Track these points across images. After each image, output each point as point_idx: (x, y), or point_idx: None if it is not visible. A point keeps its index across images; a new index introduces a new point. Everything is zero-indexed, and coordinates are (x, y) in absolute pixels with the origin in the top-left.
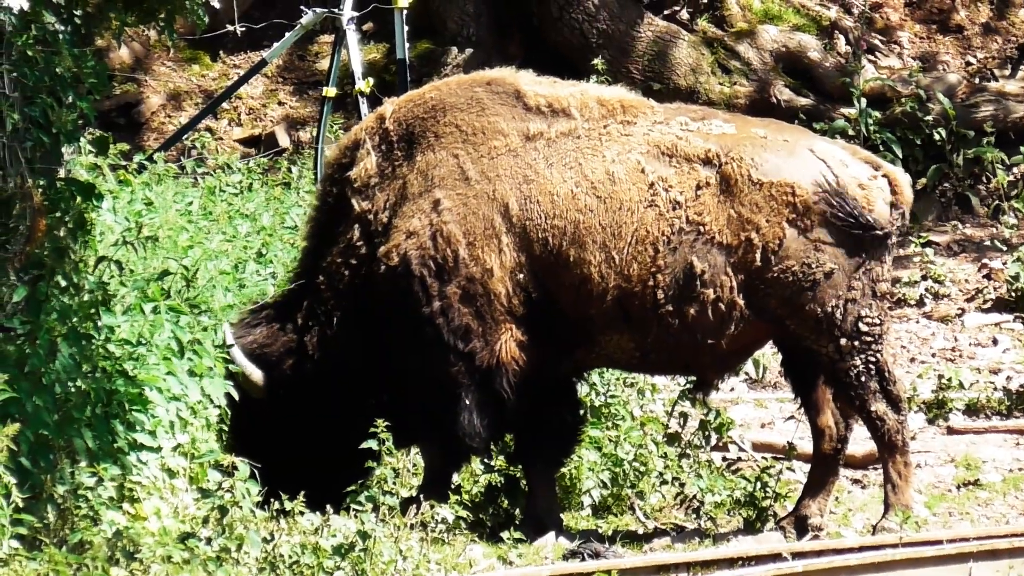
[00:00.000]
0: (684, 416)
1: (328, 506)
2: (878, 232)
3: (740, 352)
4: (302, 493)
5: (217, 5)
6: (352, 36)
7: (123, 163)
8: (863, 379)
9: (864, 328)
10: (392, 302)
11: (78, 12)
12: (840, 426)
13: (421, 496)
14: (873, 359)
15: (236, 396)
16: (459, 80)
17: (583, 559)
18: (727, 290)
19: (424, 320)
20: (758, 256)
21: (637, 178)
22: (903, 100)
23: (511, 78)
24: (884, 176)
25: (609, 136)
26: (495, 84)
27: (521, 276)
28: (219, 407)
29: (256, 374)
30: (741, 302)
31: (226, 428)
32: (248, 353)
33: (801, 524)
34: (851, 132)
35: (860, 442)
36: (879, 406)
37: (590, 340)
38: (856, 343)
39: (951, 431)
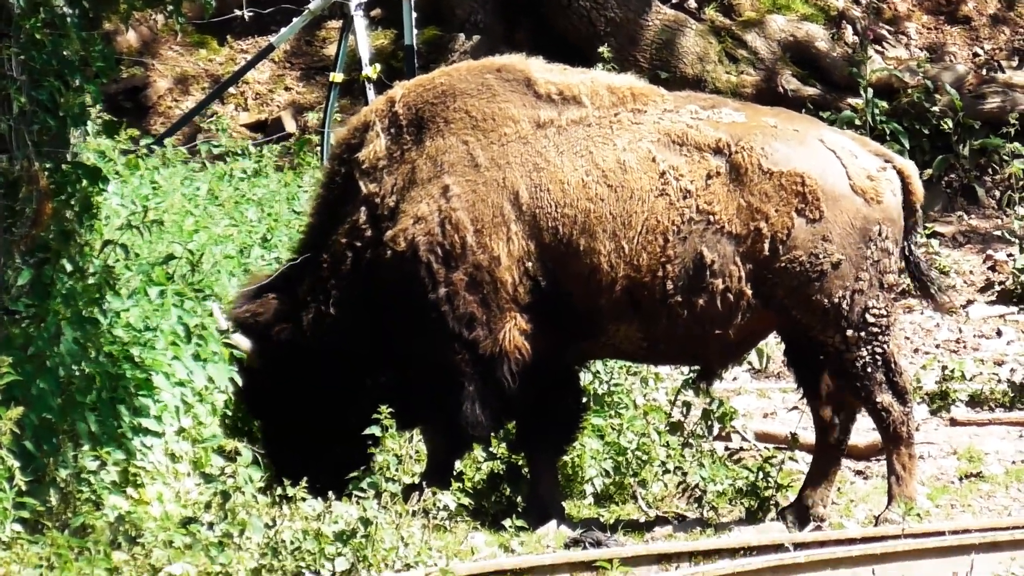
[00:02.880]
0: (687, 405)
1: (330, 492)
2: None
3: (746, 342)
4: (304, 475)
5: None
6: (360, 22)
7: (133, 148)
8: (869, 370)
9: (871, 319)
10: (397, 286)
11: None
12: (843, 417)
13: (423, 483)
14: (880, 350)
15: (240, 379)
16: (469, 66)
17: (585, 547)
18: (736, 280)
19: (429, 306)
20: (767, 246)
21: (648, 167)
22: (910, 90)
23: (521, 65)
24: (896, 169)
25: (620, 124)
26: (505, 71)
27: (529, 265)
28: (224, 392)
29: (244, 342)
30: (749, 292)
31: (230, 414)
32: (241, 322)
33: (803, 514)
34: (858, 122)
35: (863, 433)
36: (885, 397)
37: (598, 330)
38: (863, 334)
39: (954, 423)
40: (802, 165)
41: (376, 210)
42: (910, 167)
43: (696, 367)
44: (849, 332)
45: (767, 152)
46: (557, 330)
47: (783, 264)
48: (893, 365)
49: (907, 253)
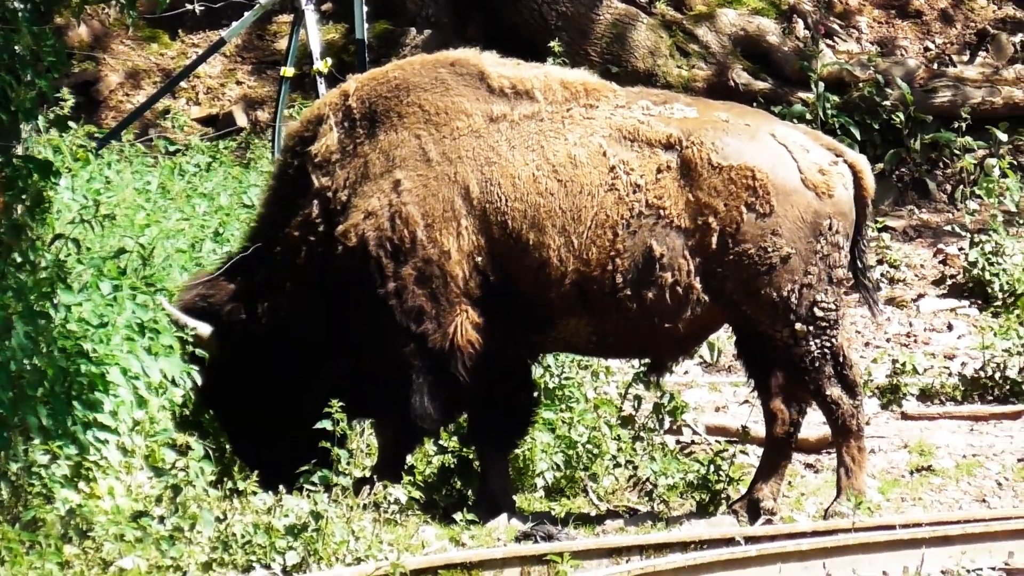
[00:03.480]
0: (638, 399)
1: (285, 481)
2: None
3: (696, 336)
4: (259, 464)
5: None
6: (311, 16)
7: (83, 143)
8: (818, 364)
9: (820, 313)
10: (348, 279)
11: None
12: (793, 410)
13: (375, 476)
14: (828, 344)
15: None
16: (423, 60)
17: (536, 541)
18: (684, 273)
19: (379, 300)
20: (716, 240)
21: (599, 161)
22: (861, 85)
23: (475, 59)
24: (847, 163)
25: (572, 119)
26: (459, 65)
27: (479, 259)
28: (180, 386)
29: (203, 327)
30: (698, 286)
31: (184, 408)
32: (190, 307)
33: (754, 508)
34: (809, 116)
35: (814, 426)
36: (834, 391)
37: (548, 324)
38: (812, 328)
39: (905, 416)
40: (752, 159)
41: (328, 204)
42: (862, 161)
43: (646, 361)
44: (798, 326)
45: (717, 147)
46: (508, 324)
47: (732, 258)
48: (843, 359)
49: (854, 249)
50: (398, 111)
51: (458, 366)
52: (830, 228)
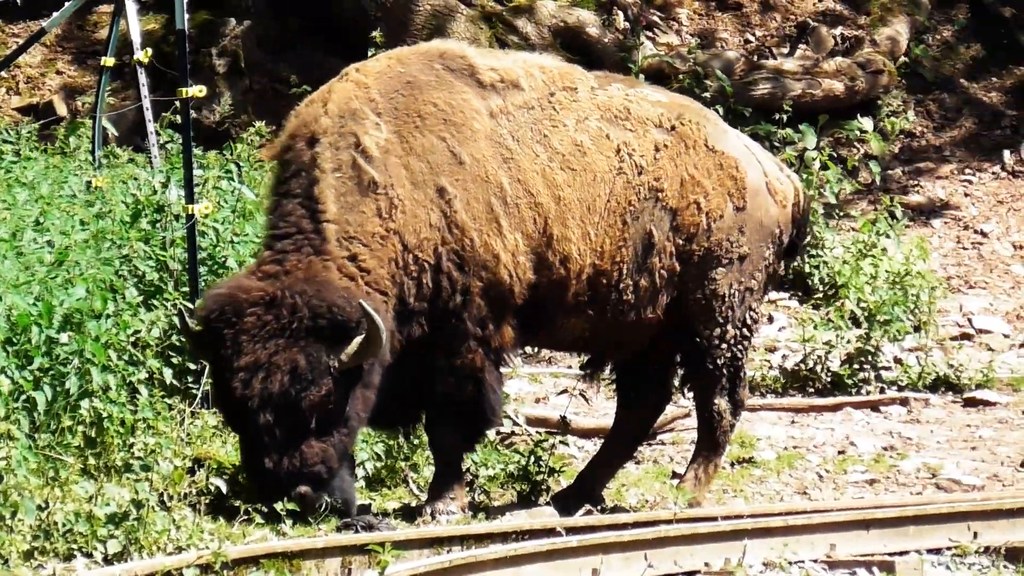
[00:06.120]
0: None
1: (102, 475)
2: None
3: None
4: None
5: None
6: (131, 6)
7: None
8: (723, 371)
9: (749, 322)
10: (420, 286)
11: None
12: (645, 417)
13: (438, 487)
14: (740, 355)
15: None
16: (414, 52)
17: (357, 531)
18: (668, 256)
19: (450, 310)
20: (700, 221)
21: (604, 145)
22: (681, 76)
23: (461, 51)
24: (788, 178)
25: (561, 104)
26: (448, 58)
27: (520, 259)
28: (7, 374)
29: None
30: (678, 269)
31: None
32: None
33: (576, 499)
34: None
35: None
36: (721, 402)
37: (548, 324)
38: (738, 333)
39: None
40: (733, 152)
41: (380, 200)
42: (795, 178)
43: (587, 355)
44: (728, 328)
45: (708, 131)
46: (524, 324)
47: (706, 245)
48: (741, 375)
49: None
50: (417, 110)
51: (508, 362)
52: (779, 237)
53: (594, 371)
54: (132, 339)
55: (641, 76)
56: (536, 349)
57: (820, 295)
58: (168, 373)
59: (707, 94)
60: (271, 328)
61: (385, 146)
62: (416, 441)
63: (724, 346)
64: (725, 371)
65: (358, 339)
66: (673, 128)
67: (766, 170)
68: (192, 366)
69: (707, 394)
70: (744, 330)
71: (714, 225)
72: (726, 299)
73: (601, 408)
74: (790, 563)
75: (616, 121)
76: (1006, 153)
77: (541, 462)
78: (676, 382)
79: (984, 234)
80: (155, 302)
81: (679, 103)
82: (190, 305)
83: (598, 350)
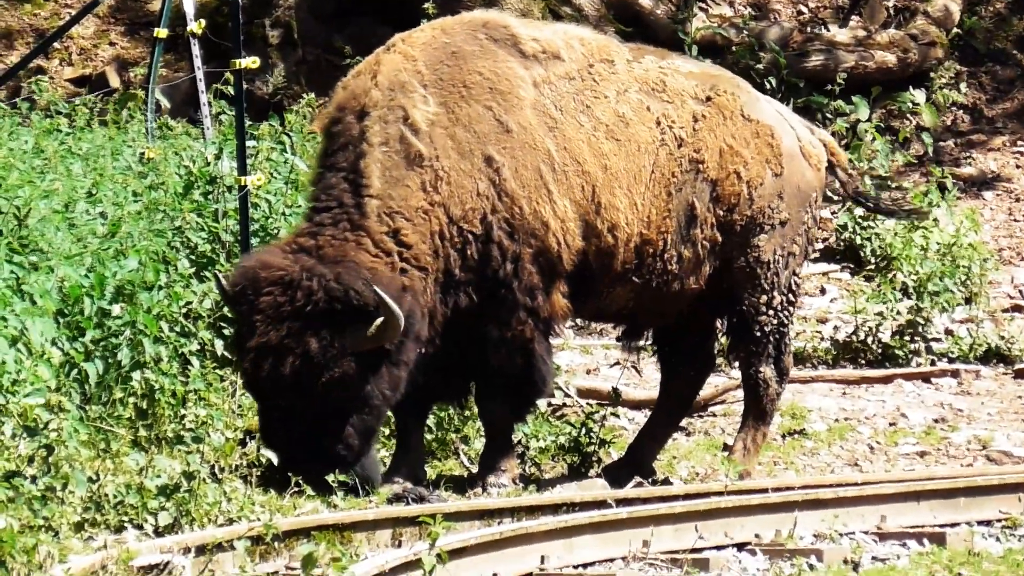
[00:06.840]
0: None
1: (153, 447)
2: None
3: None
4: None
5: None
6: None
7: None
8: (769, 339)
9: (794, 287)
10: (468, 259)
11: None
12: (690, 386)
13: (492, 459)
14: (785, 321)
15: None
16: (458, 22)
17: (407, 503)
18: (710, 227)
19: (499, 280)
20: (743, 190)
21: (644, 116)
22: (735, 48)
23: (503, 21)
24: (820, 140)
25: (600, 76)
26: (491, 28)
27: (569, 225)
28: (58, 346)
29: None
30: (720, 239)
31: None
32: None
33: (628, 470)
34: None
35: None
36: (767, 370)
37: (594, 295)
38: (783, 299)
39: None
40: (768, 119)
41: (431, 175)
42: (829, 137)
43: (624, 325)
44: (775, 295)
45: (744, 100)
46: (574, 291)
47: (748, 213)
48: (786, 342)
49: None
50: (463, 80)
51: (558, 333)
52: (815, 201)
53: (631, 341)
54: (184, 311)
55: (694, 48)
56: (585, 321)
57: (871, 267)
58: (219, 345)
59: (760, 65)
60: (285, 310)
61: (432, 118)
62: (467, 413)
63: (771, 312)
64: (771, 338)
65: (377, 322)
66: (709, 99)
67: (799, 135)
68: None
69: (753, 362)
70: (789, 295)
71: (755, 193)
72: (770, 265)
73: (652, 380)
74: (841, 535)
75: (654, 93)
76: None
77: (592, 434)
78: (720, 352)
79: None
80: (207, 274)
81: (711, 73)
82: (226, 272)
83: (642, 321)
